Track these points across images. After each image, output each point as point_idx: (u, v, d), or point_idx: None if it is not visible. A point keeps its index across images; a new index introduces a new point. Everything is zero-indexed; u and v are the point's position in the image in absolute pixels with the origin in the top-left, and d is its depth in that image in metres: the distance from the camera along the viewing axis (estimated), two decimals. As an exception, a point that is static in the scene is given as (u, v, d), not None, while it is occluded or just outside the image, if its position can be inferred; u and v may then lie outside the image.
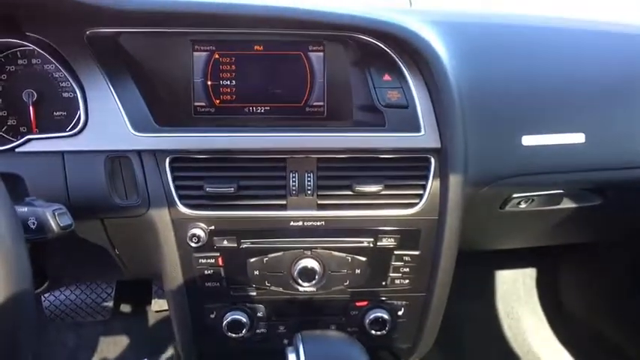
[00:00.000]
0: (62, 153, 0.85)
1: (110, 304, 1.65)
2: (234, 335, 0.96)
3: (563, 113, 0.94)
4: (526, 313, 1.76)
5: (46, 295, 1.60)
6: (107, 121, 0.85)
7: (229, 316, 0.95)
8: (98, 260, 1.00)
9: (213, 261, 0.91)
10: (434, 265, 0.94)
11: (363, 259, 0.93)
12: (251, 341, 0.98)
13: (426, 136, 0.88)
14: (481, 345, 1.76)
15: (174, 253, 0.91)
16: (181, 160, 0.87)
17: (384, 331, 0.97)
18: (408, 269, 0.94)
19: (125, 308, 1.72)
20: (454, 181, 0.88)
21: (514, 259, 1.76)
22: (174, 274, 0.93)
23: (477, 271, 1.70)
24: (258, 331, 0.97)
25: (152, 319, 1.69)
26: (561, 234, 1.21)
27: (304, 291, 0.94)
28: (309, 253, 0.91)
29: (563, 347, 1.67)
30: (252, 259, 0.91)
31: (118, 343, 1.72)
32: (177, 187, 0.87)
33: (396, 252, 0.93)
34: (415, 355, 1.09)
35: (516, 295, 1.80)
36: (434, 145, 0.88)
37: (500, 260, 1.76)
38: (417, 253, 0.93)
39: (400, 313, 0.98)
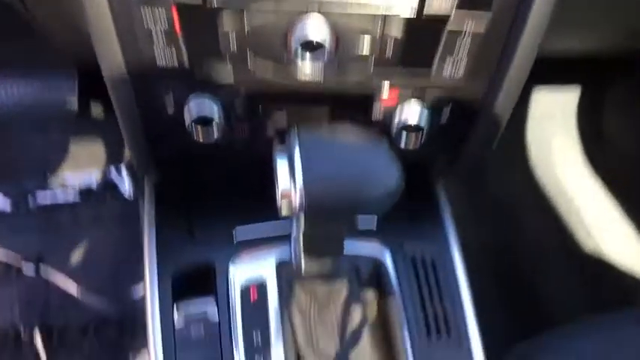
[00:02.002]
0: None
1: (74, 98, 1.40)
2: (202, 140, 0.67)
3: None
4: (559, 140, 1.53)
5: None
6: None
7: (195, 113, 0.65)
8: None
9: (165, 22, 0.57)
10: (506, 52, 0.61)
11: (399, 29, 0.59)
12: (227, 148, 0.70)
13: None
14: (506, 171, 1.53)
15: (103, 7, 0.57)
16: None
17: (416, 142, 0.67)
18: (467, 51, 0.61)
19: (92, 108, 1.50)
20: None
21: (556, 74, 1.45)
22: (107, 44, 0.60)
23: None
24: (235, 134, 0.68)
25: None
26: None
27: (306, 79, 0.62)
28: (315, 7, 0.56)
29: (596, 183, 1.46)
30: (227, 20, 0.57)
31: (89, 145, 1.56)
32: None
33: (451, 23, 0.58)
34: (443, 179, 0.84)
35: (553, 119, 1.54)
36: None
37: (540, 76, 1.46)
38: (482, 30, 0.59)
39: (443, 119, 0.68)
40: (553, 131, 1.55)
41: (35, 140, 1.59)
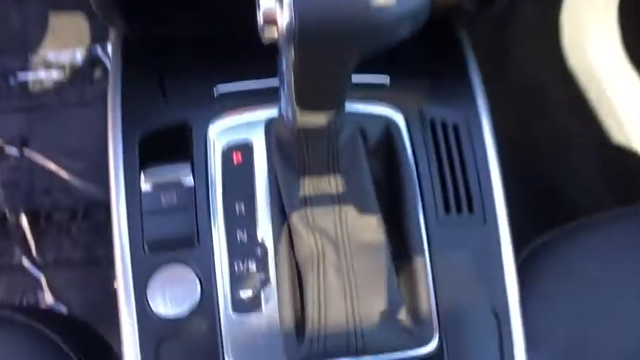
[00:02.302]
0: None
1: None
2: None
3: None
4: (598, 27, 1.34)
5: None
6: None
7: None
8: None
9: None
10: None
11: None
12: None
13: None
14: (533, 55, 1.37)
15: None
16: None
17: None
18: None
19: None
20: None
21: None
22: None
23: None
24: None
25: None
26: None
27: None
28: None
29: (633, 76, 1.28)
30: None
31: (70, 19, 1.43)
32: None
33: None
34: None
35: (592, 2, 1.32)
36: None
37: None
38: None
39: None
40: (591, 16, 1.36)
41: (11, 15, 1.44)
